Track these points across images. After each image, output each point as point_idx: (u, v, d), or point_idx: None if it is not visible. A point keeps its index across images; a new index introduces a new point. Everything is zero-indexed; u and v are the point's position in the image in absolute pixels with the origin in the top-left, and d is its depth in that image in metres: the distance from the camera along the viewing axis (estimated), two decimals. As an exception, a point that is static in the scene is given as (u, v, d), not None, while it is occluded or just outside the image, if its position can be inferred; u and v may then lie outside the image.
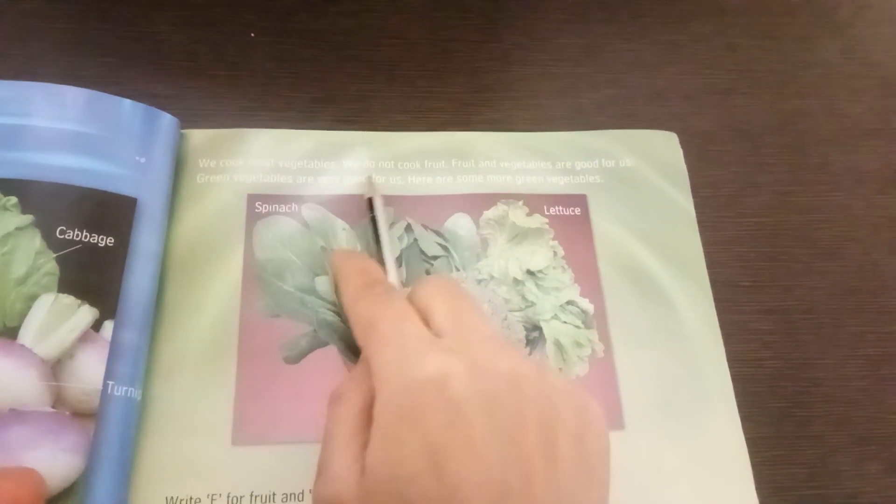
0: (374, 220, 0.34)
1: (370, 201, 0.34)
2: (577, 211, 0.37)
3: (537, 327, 0.34)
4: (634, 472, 0.31)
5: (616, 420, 0.32)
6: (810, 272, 0.37)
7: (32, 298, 0.29)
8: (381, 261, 0.32)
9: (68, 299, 0.29)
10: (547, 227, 0.36)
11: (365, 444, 0.24)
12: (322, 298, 0.33)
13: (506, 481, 0.22)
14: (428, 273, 0.34)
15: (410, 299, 0.28)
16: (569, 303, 0.34)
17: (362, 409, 0.25)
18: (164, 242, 0.33)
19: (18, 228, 0.30)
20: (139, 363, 0.30)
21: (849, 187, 0.40)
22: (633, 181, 0.38)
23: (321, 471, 0.25)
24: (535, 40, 0.43)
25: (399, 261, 0.35)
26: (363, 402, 0.25)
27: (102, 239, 0.31)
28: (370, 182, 0.36)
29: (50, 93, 0.33)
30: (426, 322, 0.26)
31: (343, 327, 0.33)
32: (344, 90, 0.40)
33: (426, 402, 0.23)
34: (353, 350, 0.32)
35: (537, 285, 0.35)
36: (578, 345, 0.34)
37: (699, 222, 0.37)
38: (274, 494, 0.29)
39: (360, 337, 0.27)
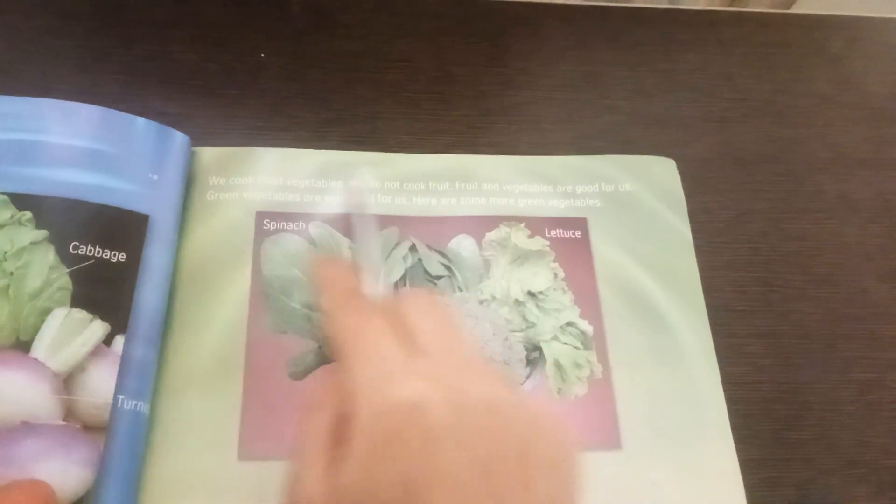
0: (355, 229, 0.33)
1: (355, 211, 0.34)
2: (578, 234, 0.38)
3: (538, 348, 0.35)
4: (630, 492, 0.32)
5: (613, 440, 0.33)
6: (803, 298, 0.38)
7: (46, 312, 0.30)
8: (362, 270, 0.32)
9: (81, 314, 0.30)
10: (548, 249, 0.37)
11: (337, 459, 0.24)
12: (328, 316, 0.34)
13: None
14: (432, 293, 0.35)
15: (390, 312, 0.28)
16: (569, 324, 0.35)
17: (337, 422, 0.25)
18: (174, 258, 0.34)
19: (33, 243, 0.30)
20: (148, 378, 0.31)
21: (841, 215, 0.41)
22: (633, 206, 0.39)
23: (293, 481, 0.25)
24: (538, 66, 0.44)
25: (403, 280, 0.35)
26: (339, 414, 0.25)
27: (115, 254, 0.31)
28: (356, 190, 0.35)
29: (65, 110, 0.34)
30: (404, 337, 0.26)
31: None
32: (351, 111, 0.41)
33: (402, 430, 0.23)
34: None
35: (538, 306, 0.36)
36: (577, 366, 0.34)
37: (696, 247, 0.38)
38: (278, 509, 0.30)
39: (339, 349, 0.27)
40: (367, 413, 0.24)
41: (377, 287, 0.31)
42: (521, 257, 0.37)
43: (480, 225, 0.37)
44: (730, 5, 0.94)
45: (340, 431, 0.24)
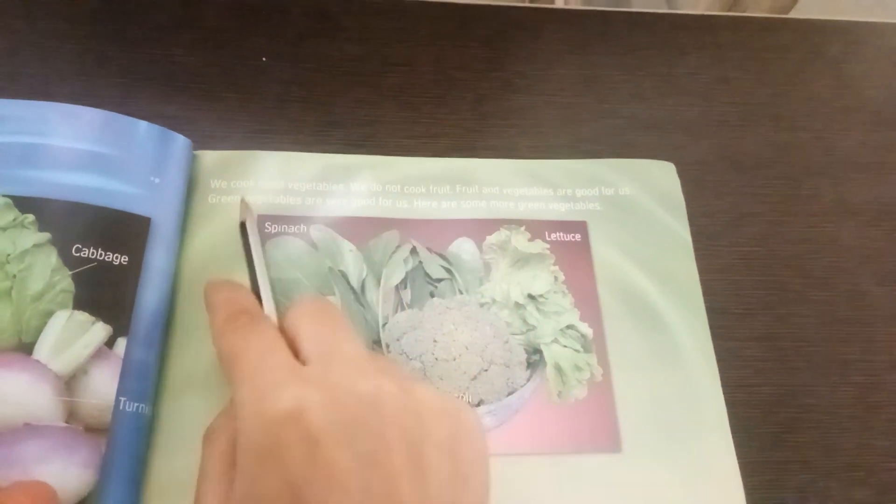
0: (246, 246, 0.33)
1: (243, 226, 0.33)
2: (578, 237, 0.38)
3: (538, 350, 0.35)
4: (630, 494, 0.32)
5: (614, 443, 0.33)
6: (802, 301, 0.39)
7: (48, 315, 0.30)
8: (256, 288, 0.31)
9: (83, 316, 0.30)
10: (548, 252, 0.37)
11: (232, 483, 0.24)
12: (328, 319, 0.34)
13: None
14: (432, 296, 0.35)
15: (281, 326, 0.28)
16: (569, 327, 0.35)
17: (232, 446, 0.25)
18: (176, 261, 0.34)
19: (35, 246, 0.31)
20: (150, 380, 0.31)
21: (839, 219, 0.41)
22: (632, 209, 0.39)
23: None
24: (537, 70, 0.44)
25: (404, 282, 0.36)
26: (233, 440, 0.25)
27: (117, 257, 0.32)
28: (243, 204, 0.34)
29: (68, 113, 0.34)
30: (295, 349, 0.26)
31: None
32: (352, 115, 0.41)
33: (284, 439, 0.22)
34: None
35: (538, 309, 0.36)
36: (578, 368, 0.35)
37: (695, 250, 0.38)
38: (279, 511, 0.30)
39: (224, 371, 0.26)
40: (248, 428, 0.23)
41: (268, 302, 0.30)
42: (522, 260, 0.37)
43: (481, 228, 0.37)
44: (729, 10, 0.94)
45: (234, 455, 0.24)
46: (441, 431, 0.24)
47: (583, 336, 0.35)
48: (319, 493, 0.22)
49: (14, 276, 0.30)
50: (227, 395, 0.31)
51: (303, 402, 0.23)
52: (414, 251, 0.36)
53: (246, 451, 0.23)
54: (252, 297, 0.30)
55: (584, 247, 0.38)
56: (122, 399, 0.29)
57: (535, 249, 0.37)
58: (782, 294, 0.39)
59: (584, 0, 1.04)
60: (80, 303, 0.30)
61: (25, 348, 0.29)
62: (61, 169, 0.32)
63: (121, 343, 0.30)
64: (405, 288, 0.35)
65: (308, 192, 0.37)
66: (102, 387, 0.29)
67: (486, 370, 0.34)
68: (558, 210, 0.39)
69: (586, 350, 0.35)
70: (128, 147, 0.34)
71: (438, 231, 0.37)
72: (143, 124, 0.35)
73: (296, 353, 0.26)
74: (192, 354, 0.33)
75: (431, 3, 0.45)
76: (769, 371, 0.37)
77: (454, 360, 0.34)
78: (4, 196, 0.31)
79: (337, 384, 0.24)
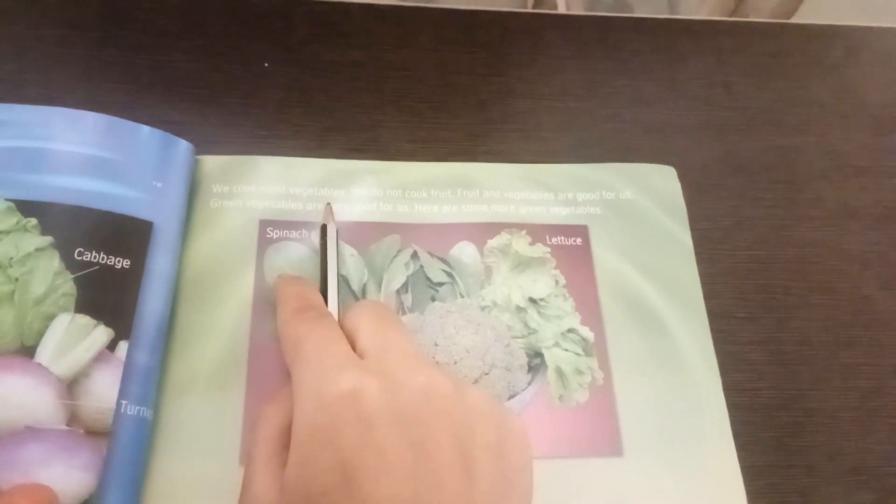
0: (323, 247, 0.34)
1: (323, 228, 0.35)
2: (579, 241, 0.38)
3: (539, 354, 0.35)
4: (632, 498, 0.32)
5: (615, 447, 0.33)
6: (804, 305, 0.38)
7: (50, 318, 0.30)
8: (324, 287, 0.33)
9: (85, 319, 0.30)
10: (549, 256, 0.37)
11: (284, 464, 0.24)
12: (330, 322, 0.34)
13: (417, 493, 0.22)
14: (433, 300, 0.35)
15: (341, 324, 0.29)
16: (570, 331, 0.35)
17: (282, 430, 0.26)
18: (178, 265, 0.34)
19: (38, 249, 0.31)
20: (151, 383, 0.31)
21: (841, 223, 0.41)
22: (633, 213, 0.39)
23: (243, 491, 0.26)
24: (538, 75, 0.44)
25: (405, 287, 0.36)
26: (283, 423, 0.26)
27: (119, 261, 0.32)
28: (328, 208, 0.36)
29: (71, 118, 0.34)
30: (353, 345, 0.27)
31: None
32: (353, 120, 0.41)
33: (339, 418, 0.23)
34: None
35: (539, 313, 0.36)
36: (579, 372, 0.35)
37: (696, 254, 0.38)
38: (280, 514, 0.30)
39: (287, 357, 0.28)
40: (305, 408, 0.24)
41: (334, 302, 0.32)
42: (523, 264, 0.37)
43: (482, 232, 0.38)
44: (730, 15, 0.94)
45: (285, 439, 0.25)
46: (490, 435, 0.24)
47: (584, 340, 0.35)
48: (370, 474, 0.22)
49: (16, 280, 0.30)
50: (228, 397, 0.32)
51: (360, 385, 0.24)
52: (415, 255, 0.36)
53: (302, 429, 0.24)
54: (319, 296, 0.32)
55: (585, 251, 0.38)
56: (124, 402, 0.30)
57: (536, 253, 0.37)
58: (784, 298, 0.39)
59: (586, 6, 1.04)
60: (82, 306, 0.30)
61: (27, 352, 0.29)
62: (64, 173, 0.33)
63: (122, 346, 0.30)
64: (406, 292, 0.35)
65: (309, 197, 0.37)
66: (104, 390, 0.29)
67: (487, 374, 0.34)
68: (559, 214, 0.39)
69: (587, 354, 0.35)
70: (130, 151, 0.34)
71: (440, 235, 0.37)
72: (145, 129, 0.35)
73: (354, 348, 0.27)
74: (193, 358, 0.33)
75: (433, 8, 0.46)
76: (771, 375, 0.36)
77: (455, 363, 0.34)
78: (7, 200, 0.31)
79: (393, 374, 0.25)
